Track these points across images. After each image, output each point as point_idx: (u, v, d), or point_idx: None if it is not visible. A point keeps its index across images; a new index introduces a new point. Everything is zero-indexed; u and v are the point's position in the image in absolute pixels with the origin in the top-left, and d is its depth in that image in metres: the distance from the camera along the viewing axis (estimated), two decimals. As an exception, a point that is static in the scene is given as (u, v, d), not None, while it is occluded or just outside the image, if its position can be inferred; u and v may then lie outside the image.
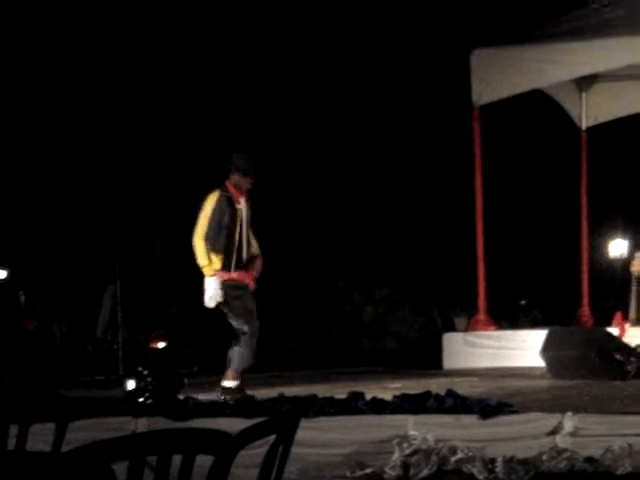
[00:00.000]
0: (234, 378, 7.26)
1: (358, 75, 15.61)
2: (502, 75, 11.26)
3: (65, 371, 11.21)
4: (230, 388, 7.17)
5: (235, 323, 7.35)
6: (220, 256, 7.37)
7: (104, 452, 2.40)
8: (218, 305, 7.36)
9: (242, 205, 7.46)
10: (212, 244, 7.32)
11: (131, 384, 7.09)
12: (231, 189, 7.44)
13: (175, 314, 14.63)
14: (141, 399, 6.82)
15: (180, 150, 15.03)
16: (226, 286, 7.33)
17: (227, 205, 7.37)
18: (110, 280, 11.15)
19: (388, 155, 15.71)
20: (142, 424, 5.89)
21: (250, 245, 7.53)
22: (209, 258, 7.31)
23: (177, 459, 2.51)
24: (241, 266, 7.41)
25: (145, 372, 7.07)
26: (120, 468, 2.44)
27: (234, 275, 7.36)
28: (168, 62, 15.01)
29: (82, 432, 5.51)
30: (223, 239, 7.36)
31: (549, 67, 11.10)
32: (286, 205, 13.28)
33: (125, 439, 2.48)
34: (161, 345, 12.09)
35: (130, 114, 14.72)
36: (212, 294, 7.27)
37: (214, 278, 7.28)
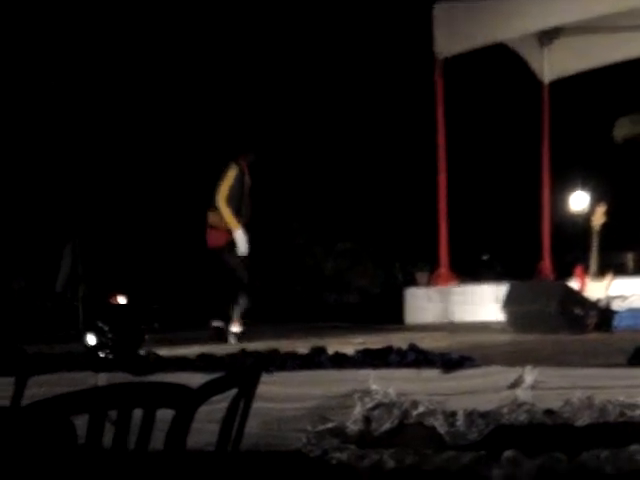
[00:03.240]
0: (241, 324, 8.88)
1: (320, 26, 15.51)
2: (465, 28, 11.24)
3: (24, 326, 11.14)
4: (241, 332, 8.77)
5: (239, 273, 8.92)
6: None
7: (64, 406, 2.38)
8: (227, 256, 8.94)
9: (247, 176, 9.10)
10: (232, 206, 8.91)
11: (91, 339, 7.06)
12: (243, 164, 9.05)
13: (135, 268, 14.57)
14: (102, 354, 6.80)
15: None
16: (232, 242, 8.92)
17: (241, 176, 8.99)
18: (70, 235, 11.07)
19: (349, 108, 15.65)
20: (102, 379, 5.86)
21: (249, 208, 9.10)
22: (234, 216, 8.90)
23: (138, 413, 2.49)
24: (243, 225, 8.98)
25: (105, 327, 7.04)
26: (80, 422, 2.42)
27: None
28: (154, 61, 14.89)
29: (42, 387, 5.47)
30: (235, 202, 8.94)
31: (512, 19, 11.10)
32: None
33: (85, 392, 2.46)
34: (122, 300, 12.05)
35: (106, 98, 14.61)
36: (246, 242, 8.89)
37: (242, 230, 8.91)
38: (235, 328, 8.87)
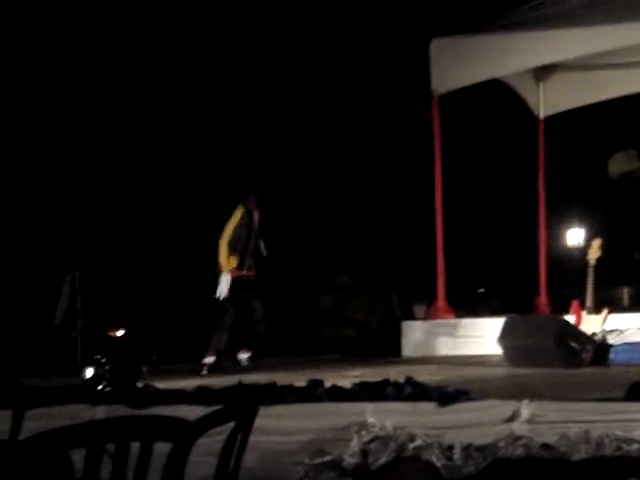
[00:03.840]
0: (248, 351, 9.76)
1: (315, 63, 15.59)
2: (461, 64, 11.30)
3: (22, 359, 11.13)
4: (213, 363, 9.46)
5: (225, 315, 9.67)
6: (237, 256, 9.65)
7: (61, 439, 2.39)
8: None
9: (256, 215, 9.74)
10: (232, 248, 9.54)
11: (89, 372, 7.07)
12: (251, 203, 9.68)
13: (134, 301, 14.58)
14: (99, 387, 6.80)
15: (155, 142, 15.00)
16: (239, 281, 9.60)
17: (247, 217, 9.60)
18: (70, 268, 11.08)
19: (347, 143, 15.71)
20: (100, 412, 5.87)
21: (258, 246, 9.80)
22: (228, 260, 9.53)
23: (136, 447, 2.51)
24: (250, 264, 9.74)
25: (103, 360, 7.05)
26: (78, 456, 2.44)
27: (243, 272, 9.70)
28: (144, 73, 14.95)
29: (40, 420, 5.48)
30: (242, 243, 9.59)
31: (508, 56, 11.16)
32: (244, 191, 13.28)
33: (82, 426, 2.48)
34: (120, 333, 12.04)
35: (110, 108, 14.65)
36: (224, 288, 9.48)
37: (229, 275, 9.50)
38: (207, 359, 9.57)
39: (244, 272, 9.73)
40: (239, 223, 9.60)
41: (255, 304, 9.89)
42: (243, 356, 9.87)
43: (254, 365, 9.83)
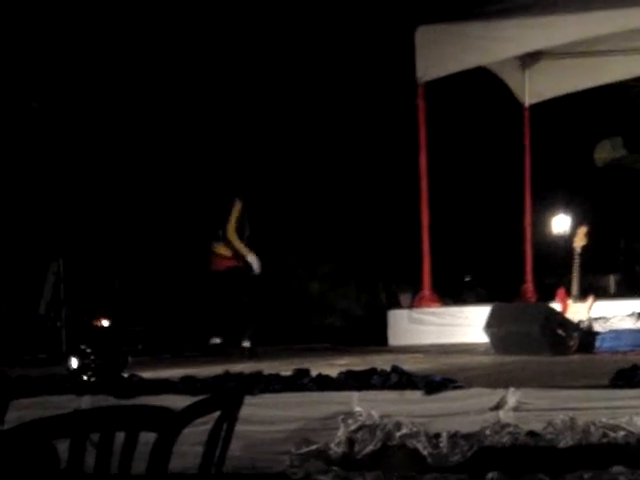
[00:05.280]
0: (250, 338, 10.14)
1: (300, 53, 15.55)
2: (447, 52, 11.29)
3: (6, 349, 11.09)
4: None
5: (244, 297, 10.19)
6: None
7: (45, 429, 2.37)
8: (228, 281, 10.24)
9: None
10: (239, 236, 10.17)
11: (74, 362, 7.03)
12: (242, 199, 10.26)
13: (119, 290, 14.54)
14: (84, 377, 6.77)
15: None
16: (233, 269, 10.17)
17: (244, 209, 10.23)
18: (53, 256, 11.04)
19: (333, 132, 15.69)
20: (85, 402, 5.85)
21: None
22: (244, 245, 10.16)
23: (120, 436, 2.49)
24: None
25: (88, 350, 7.02)
26: (63, 446, 2.42)
27: (240, 263, 10.19)
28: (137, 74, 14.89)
29: (24, 410, 5.46)
30: (240, 232, 10.16)
31: (494, 44, 11.16)
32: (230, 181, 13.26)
33: (67, 416, 2.46)
34: (105, 323, 12.02)
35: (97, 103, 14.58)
36: (256, 264, 10.19)
37: (253, 255, 10.19)
38: (247, 343, 10.14)
39: (241, 263, 10.24)
40: (240, 215, 10.23)
41: (249, 293, 10.38)
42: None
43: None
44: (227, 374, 6.35)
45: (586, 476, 4.87)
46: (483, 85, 13.58)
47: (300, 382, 5.83)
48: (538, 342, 8.65)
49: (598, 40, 11.40)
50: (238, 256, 10.25)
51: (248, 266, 10.20)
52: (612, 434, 5.00)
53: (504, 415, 5.22)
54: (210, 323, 10.62)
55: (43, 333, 11.18)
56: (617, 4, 10.44)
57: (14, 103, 12.44)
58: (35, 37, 14.02)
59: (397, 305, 12.73)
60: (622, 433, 4.99)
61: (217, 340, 10.30)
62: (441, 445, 5.13)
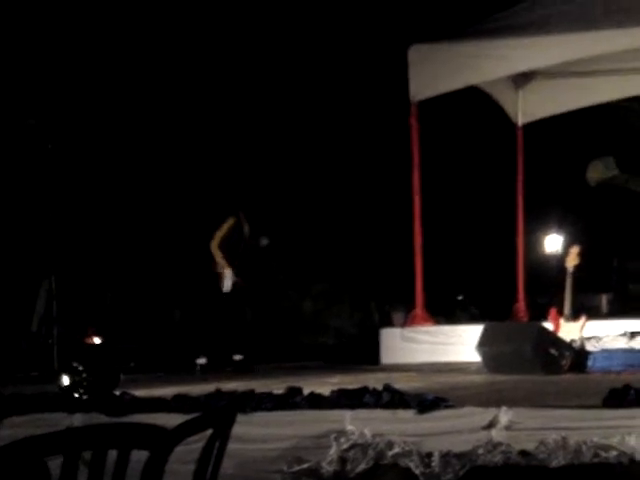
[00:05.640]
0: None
1: (294, 70, 15.58)
2: (440, 71, 11.32)
3: (-1, 367, 11.05)
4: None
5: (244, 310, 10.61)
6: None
7: (38, 447, 2.37)
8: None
9: (246, 227, 10.69)
10: (226, 252, 10.43)
11: (66, 380, 7.01)
12: (242, 217, 10.63)
13: (111, 308, 14.52)
14: (76, 395, 6.75)
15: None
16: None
17: (239, 227, 10.58)
18: (46, 274, 11.02)
19: (326, 151, 15.71)
20: (77, 420, 5.84)
21: (249, 257, 10.74)
22: (224, 258, 10.43)
23: (112, 454, 2.49)
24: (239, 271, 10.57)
25: (80, 368, 7.00)
26: (54, 464, 2.42)
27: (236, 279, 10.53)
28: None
29: (16, 428, 5.45)
30: (232, 251, 10.47)
31: (486, 63, 11.19)
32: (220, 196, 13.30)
33: (59, 434, 2.45)
34: (97, 340, 11.98)
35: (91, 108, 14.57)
36: (229, 283, 10.44)
37: (230, 270, 10.43)
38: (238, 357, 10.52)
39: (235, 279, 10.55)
40: (227, 234, 10.51)
41: (243, 310, 10.73)
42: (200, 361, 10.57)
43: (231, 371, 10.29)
44: (219, 392, 6.35)
45: (578, 496, 4.87)
46: (476, 105, 13.61)
47: (292, 400, 5.82)
48: (530, 361, 8.65)
49: (591, 60, 11.45)
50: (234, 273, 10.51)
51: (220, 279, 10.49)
52: (604, 454, 5.00)
53: (496, 434, 5.22)
54: (196, 343, 10.94)
55: (35, 351, 11.15)
56: (610, 25, 10.49)
57: (11, 120, 12.44)
58: (32, 54, 14.04)
59: (390, 324, 12.72)
60: (614, 453, 4.99)
61: (202, 360, 10.56)
62: (433, 464, 5.12)
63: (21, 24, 14.02)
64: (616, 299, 14.27)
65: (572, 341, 9.26)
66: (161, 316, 14.43)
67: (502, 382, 7.91)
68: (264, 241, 10.96)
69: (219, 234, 10.56)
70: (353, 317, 16.39)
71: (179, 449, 2.60)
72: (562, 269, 10.00)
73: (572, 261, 9.89)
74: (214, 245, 10.53)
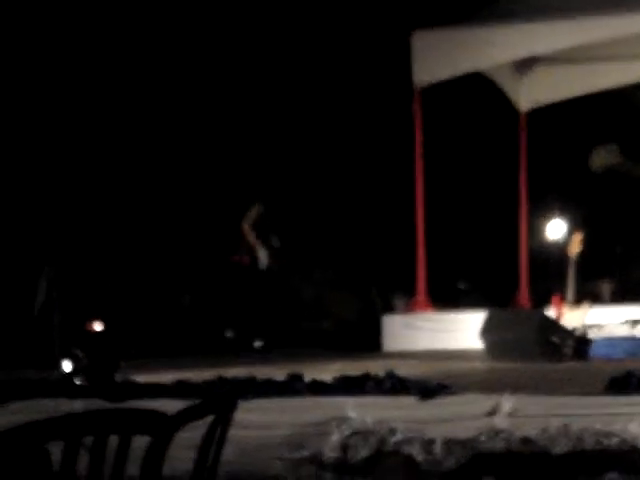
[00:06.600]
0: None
1: (295, 56, 15.55)
2: (443, 57, 11.28)
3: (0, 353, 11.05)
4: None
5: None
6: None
7: (38, 432, 2.36)
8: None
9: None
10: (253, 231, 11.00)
11: (67, 366, 7.02)
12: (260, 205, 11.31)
13: (112, 294, 14.52)
14: (77, 381, 6.75)
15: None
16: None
17: (261, 211, 11.21)
18: (46, 261, 11.00)
19: (328, 137, 15.68)
20: (78, 405, 5.83)
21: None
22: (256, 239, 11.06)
23: (114, 440, 2.48)
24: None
25: (81, 354, 7.01)
26: (55, 449, 2.41)
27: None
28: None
29: (17, 414, 5.44)
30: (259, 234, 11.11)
31: (490, 49, 11.15)
32: (225, 184, 13.25)
33: (60, 419, 2.44)
34: (98, 327, 11.97)
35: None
36: (264, 260, 11.20)
37: (264, 251, 11.13)
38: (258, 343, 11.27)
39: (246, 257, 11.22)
40: (257, 219, 11.17)
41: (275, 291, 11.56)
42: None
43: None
44: (221, 379, 6.34)
45: (580, 483, 4.87)
46: (479, 92, 13.58)
47: (294, 387, 5.82)
48: (533, 349, 8.65)
49: (595, 46, 11.40)
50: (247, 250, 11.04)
51: (254, 260, 11.04)
52: (606, 441, 4.99)
53: (499, 421, 5.21)
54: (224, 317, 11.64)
55: (35, 337, 11.14)
56: (613, 10, 10.45)
57: (10, 109, 12.43)
58: (32, 53, 14.01)
59: (391, 310, 12.71)
60: (616, 440, 4.98)
61: (232, 334, 11.38)
62: (435, 451, 5.11)
63: (21, 24, 13.99)
64: (619, 286, 14.26)
65: (574, 328, 9.25)
66: (170, 301, 14.43)
67: (504, 369, 7.91)
68: (276, 242, 11.42)
69: (250, 216, 11.14)
70: (354, 303, 16.37)
71: (180, 435, 2.59)
72: (565, 256, 9.98)
73: (575, 248, 9.87)
74: (246, 227, 11.07)
